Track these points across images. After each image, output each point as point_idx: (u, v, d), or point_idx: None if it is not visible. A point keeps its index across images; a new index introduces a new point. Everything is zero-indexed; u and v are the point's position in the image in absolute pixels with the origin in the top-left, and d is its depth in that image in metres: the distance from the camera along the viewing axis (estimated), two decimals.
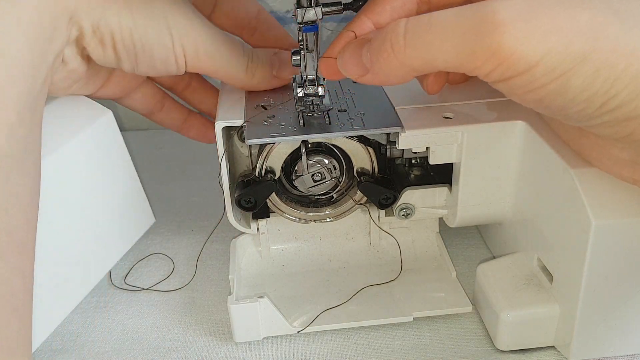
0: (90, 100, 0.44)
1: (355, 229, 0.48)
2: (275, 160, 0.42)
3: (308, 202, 0.46)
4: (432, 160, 0.41)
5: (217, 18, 0.45)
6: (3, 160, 0.30)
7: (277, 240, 0.47)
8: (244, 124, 0.40)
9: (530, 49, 0.26)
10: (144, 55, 0.37)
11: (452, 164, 0.42)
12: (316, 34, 0.38)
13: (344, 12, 0.38)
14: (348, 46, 0.33)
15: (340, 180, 0.44)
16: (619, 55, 0.26)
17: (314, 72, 0.40)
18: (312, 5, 0.37)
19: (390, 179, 0.44)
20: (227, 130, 0.42)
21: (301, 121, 0.40)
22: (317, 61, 0.39)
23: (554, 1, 0.27)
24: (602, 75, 0.26)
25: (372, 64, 0.31)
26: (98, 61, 0.38)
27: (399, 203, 0.44)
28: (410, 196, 0.44)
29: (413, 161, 0.45)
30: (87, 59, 0.39)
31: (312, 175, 0.42)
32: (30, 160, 0.33)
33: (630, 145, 0.31)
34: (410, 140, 0.40)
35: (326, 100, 0.42)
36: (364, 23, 0.35)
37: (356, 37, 0.34)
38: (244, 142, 0.40)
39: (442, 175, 0.44)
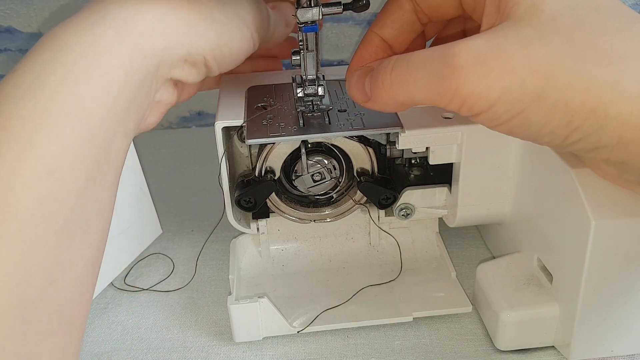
0: None
1: (355, 229, 0.48)
2: (275, 160, 0.42)
3: (308, 202, 0.46)
4: (432, 160, 0.41)
5: None
6: (67, 226, 0.28)
7: (277, 241, 0.47)
8: (244, 124, 0.40)
9: (487, 90, 0.27)
10: (231, 55, 0.37)
11: (452, 164, 0.42)
12: (316, 34, 0.38)
13: (344, 12, 0.38)
14: (354, 73, 0.35)
15: (340, 180, 0.44)
16: (574, 91, 0.26)
17: (314, 72, 0.40)
18: (312, 5, 0.37)
19: (390, 179, 0.44)
20: (227, 131, 0.42)
21: (301, 121, 0.40)
22: (318, 61, 0.40)
23: (513, 40, 0.27)
24: (559, 110, 0.27)
25: (371, 94, 0.33)
26: (191, 82, 0.36)
27: (398, 203, 0.44)
28: (410, 196, 0.44)
29: (413, 161, 0.45)
30: (178, 84, 0.37)
31: (312, 175, 0.42)
32: (98, 226, 0.30)
33: (614, 166, 0.32)
34: (410, 140, 0.40)
35: (326, 100, 0.42)
36: (373, 38, 0.36)
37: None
38: (244, 142, 0.40)
39: (442, 175, 0.44)
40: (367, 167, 0.43)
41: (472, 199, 0.42)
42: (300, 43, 0.39)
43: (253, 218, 0.46)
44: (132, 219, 0.47)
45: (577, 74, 0.26)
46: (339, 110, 0.42)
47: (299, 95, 0.41)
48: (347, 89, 0.35)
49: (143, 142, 0.65)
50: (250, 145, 0.43)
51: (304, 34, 0.38)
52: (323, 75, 0.42)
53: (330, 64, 0.70)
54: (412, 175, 0.45)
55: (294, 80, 0.43)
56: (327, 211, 0.46)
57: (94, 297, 0.46)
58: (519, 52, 0.27)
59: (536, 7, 0.28)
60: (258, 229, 0.46)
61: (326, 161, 0.42)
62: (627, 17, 0.28)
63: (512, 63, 0.27)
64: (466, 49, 0.28)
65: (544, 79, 0.27)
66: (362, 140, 0.42)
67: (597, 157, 0.31)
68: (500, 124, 0.29)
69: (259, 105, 0.43)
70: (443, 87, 0.28)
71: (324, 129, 0.40)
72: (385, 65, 0.32)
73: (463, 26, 0.39)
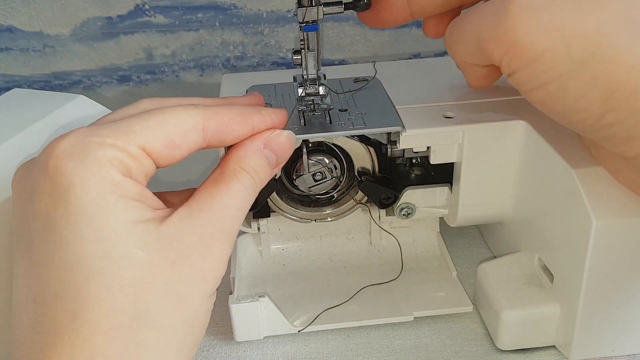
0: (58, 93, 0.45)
1: (355, 228, 0.48)
2: None
3: (309, 202, 0.46)
4: (433, 160, 0.41)
5: None
6: None
7: (278, 240, 0.47)
8: None
9: (531, 42, 0.26)
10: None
11: (453, 163, 0.42)
12: (317, 34, 0.38)
13: (345, 12, 0.38)
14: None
15: (341, 179, 0.44)
16: (620, 66, 0.25)
17: (315, 71, 0.40)
18: (313, 4, 0.37)
19: (391, 178, 0.44)
20: None
21: (302, 120, 0.40)
22: (318, 60, 0.39)
23: None
24: (600, 84, 0.26)
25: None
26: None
27: (399, 203, 0.44)
28: (411, 196, 0.44)
29: (414, 161, 0.45)
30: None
31: (313, 174, 0.42)
32: None
33: (632, 172, 0.31)
34: (411, 140, 0.40)
35: (327, 100, 0.42)
36: None
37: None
38: None
39: (443, 174, 0.44)
40: (368, 166, 0.43)
41: (473, 198, 0.42)
42: (301, 42, 0.39)
43: (254, 217, 0.46)
44: None
45: (628, 49, 0.25)
46: (340, 110, 0.42)
47: (300, 94, 0.41)
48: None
49: None
50: None
51: (304, 33, 0.38)
52: (324, 75, 0.42)
53: (331, 63, 0.70)
54: (413, 175, 0.45)
55: (294, 79, 0.43)
56: (328, 210, 0.46)
57: None
58: (573, 13, 0.26)
59: None
60: (259, 229, 0.46)
61: (327, 160, 0.42)
62: None
63: (564, 21, 0.26)
64: None
65: (592, 45, 0.25)
66: (363, 139, 0.42)
67: (627, 153, 0.29)
68: (535, 87, 0.28)
69: None
70: (491, 31, 0.28)
71: (325, 128, 0.40)
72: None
73: None
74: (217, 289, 0.30)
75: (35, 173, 0.27)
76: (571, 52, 0.26)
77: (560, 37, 0.26)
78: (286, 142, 0.33)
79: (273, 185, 0.42)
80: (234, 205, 0.30)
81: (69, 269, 0.25)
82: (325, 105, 0.41)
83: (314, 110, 0.41)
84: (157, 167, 0.29)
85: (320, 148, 0.43)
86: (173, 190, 0.35)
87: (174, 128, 0.29)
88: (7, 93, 0.45)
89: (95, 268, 0.25)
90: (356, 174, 0.44)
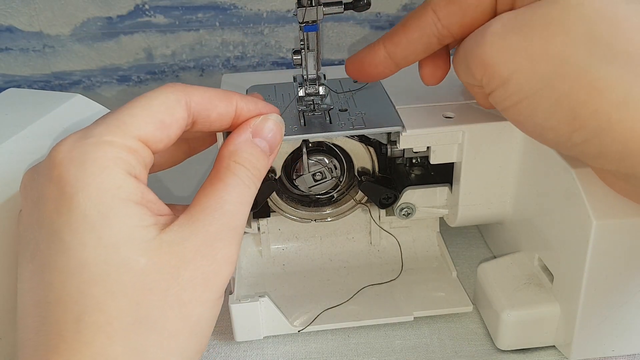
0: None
1: (355, 228, 0.48)
2: (276, 159, 0.42)
3: (309, 202, 0.46)
4: (433, 160, 0.41)
5: None
6: None
7: (278, 240, 0.47)
8: None
9: (502, 64, 0.28)
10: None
11: (453, 163, 0.42)
12: (317, 34, 0.38)
13: (345, 12, 0.38)
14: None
15: (341, 179, 0.44)
16: (580, 87, 0.26)
17: (315, 71, 0.40)
18: (313, 4, 0.37)
19: (391, 178, 0.44)
20: (228, 132, 0.42)
21: (302, 120, 0.40)
22: (318, 60, 0.39)
23: (538, 20, 0.27)
24: (565, 104, 0.27)
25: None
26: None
27: (399, 202, 0.44)
28: (411, 196, 0.44)
29: (414, 161, 0.45)
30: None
31: (313, 174, 0.42)
32: None
33: (623, 179, 0.31)
34: (411, 140, 0.40)
35: (327, 100, 0.42)
36: (379, 51, 0.36)
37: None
38: None
39: (443, 174, 0.44)
40: (368, 166, 0.43)
41: (473, 198, 0.42)
42: (301, 42, 0.39)
43: (254, 217, 0.46)
44: None
45: (587, 70, 0.26)
46: (339, 110, 0.42)
47: (299, 94, 0.41)
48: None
49: None
50: None
51: (304, 33, 0.38)
52: (324, 75, 0.42)
53: (331, 63, 0.70)
54: (413, 175, 0.45)
55: (294, 79, 0.43)
56: (328, 210, 0.46)
57: None
58: (538, 35, 0.27)
59: None
60: (259, 228, 0.46)
61: (327, 160, 0.42)
62: None
63: (529, 44, 0.27)
64: (499, 19, 0.28)
65: (554, 66, 0.26)
66: (363, 139, 0.42)
67: (605, 167, 0.30)
68: (509, 106, 0.29)
69: None
70: (473, 54, 0.30)
71: (325, 128, 0.40)
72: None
73: None
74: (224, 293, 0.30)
75: (41, 180, 0.27)
76: (537, 73, 0.27)
77: (527, 59, 0.27)
78: (274, 126, 0.32)
79: (273, 185, 0.42)
80: (233, 200, 0.29)
81: (72, 274, 0.26)
82: (325, 105, 0.41)
83: (314, 110, 0.41)
84: (154, 154, 0.29)
85: (320, 148, 0.43)
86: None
87: (159, 108, 0.29)
88: (3, 93, 0.45)
89: (97, 274, 0.26)
90: (356, 174, 0.44)
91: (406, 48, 0.35)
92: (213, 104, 0.31)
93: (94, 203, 0.26)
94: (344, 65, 0.39)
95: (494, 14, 0.32)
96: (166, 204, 0.30)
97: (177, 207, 0.34)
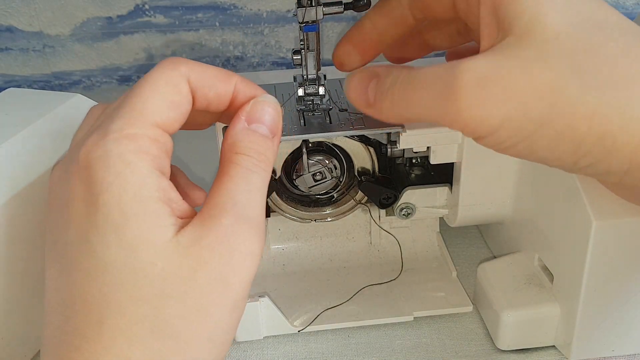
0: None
1: (355, 228, 0.48)
2: (276, 159, 0.42)
3: (309, 202, 0.46)
4: (433, 160, 0.41)
5: None
6: None
7: (278, 240, 0.47)
8: None
9: (489, 115, 0.26)
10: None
11: (453, 163, 0.42)
12: (317, 34, 0.38)
13: (345, 12, 0.38)
14: (356, 74, 0.33)
15: (341, 179, 0.44)
16: (580, 118, 0.26)
17: (315, 71, 0.40)
18: (313, 4, 0.37)
19: (391, 178, 0.44)
20: None
21: (302, 120, 0.40)
22: (318, 60, 0.39)
23: (515, 62, 0.26)
24: (566, 137, 0.26)
25: (375, 102, 0.31)
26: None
27: (399, 203, 0.44)
28: (411, 196, 0.44)
29: (414, 161, 0.45)
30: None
31: (313, 174, 0.42)
32: None
33: (627, 190, 0.31)
34: (411, 140, 0.39)
35: (327, 99, 0.42)
36: (364, 22, 0.36)
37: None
38: None
39: (443, 174, 0.44)
40: (368, 166, 0.43)
41: (473, 198, 0.42)
42: (301, 42, 0.39)
43: None
44: None
45: (583, 101, 0.25)
46: (339, 110, 0.42)
47: (299, 94, 0.41)
48: (346, 89, 0.34)
49: None
50: None
51: (304, 33, 0.38)
52: (324, 75, 0.42)
53: (331, 63, 0.70)
54: (412, 175, 0.45)
55: (294, 79, 0.43)
56: (328, 211, 0.46)
57: None
58: (522, 77, 0.26)
59: (537, 20, 0.27)
60: None
61: (327, 160, 0.42)
62: (630, 36, 0.27)
63: (515, 88, 0.26)
64: (468, 70, 0.27)
65: (548, 106, 0.26)
66: (363, 139, 0.42)
67: (608, 181, 0.30)
68: (505, 148, 0.28)
69: None
70: (445, 109, 0.27)
71: (324, 128, 0.40)
72: (393, 77, 0.30)
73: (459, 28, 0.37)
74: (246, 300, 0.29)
75: (71, 181, 0.27)
76: (530, 116, 0.26)
77: (516, 105, 0.26)
78: (268, 107, 0.31)
79: (273, 185, 0.42)
80: (241, 189, 0.28)
81: (95, 276, 0.26)
82: (325, 105, 0.41)
83: (314, 110, 0.41)
84: (171, 135, 0.29)
85: (320, 148, 0.43)
86: None
87: (166, 88, 0.28)
88: (3, 93, 0.45)
89: (119, 277, 0.26)
90: (356, 174, 0.44)
91: (386, 16, 0.35)
92: (211, 82, 0.30)
93: (117, 202, 0.26)
94: None
95: (453, 7, 0.31)
96: (190, 184, 0.31)
97: (196, 193, 0.35)
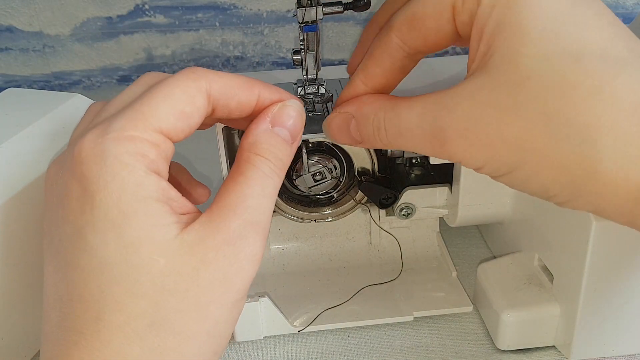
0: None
1: (355, 228, 0.48)
2: None
3: (309, 202, 0.46)
4: (433, 160, 0.41)
5: None
6: None
7: (278, 240, 0.47)
8: None
9: (472, 157, 0.28)
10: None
11: (453, 163, 0.42)
12: (317, 34, 0.38)
13: (345, 12, 0.38)
14: (334, 120, 0.34)
15: (341, 179, 0.44)
16: (546, 167, 0.26)
17: (315, 71, 0.40)
18: (313, 4, 0.37)
19: (391, 178, 0.44)
20: (228, 130, 0.42)
21: None
22: (318, 60, 0.39)
23: (490, 111, 0.27)
24: (535, 181, 0.27)
25: (362, 139, 0.33)
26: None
27: (399, 203, 0.44)
28: (411, 196, 0.44)
29: (414, 161, 0.45)
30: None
31: (313, 174, 0.42)
32: None
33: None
34: None
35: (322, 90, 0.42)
36: (358, 86, 0.34)
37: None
38: None
39: (443, 174, 0.44)
40: (368, 166, 0.43)
41: (472, 198, 0.42)
42: (301, 42, 0.39)
43: None
44: None
45: (549, 152, 0.26)
46: None
47: (299, 94, 0.41)
48: (327, 134, 0.35)
49: None
50: None
51: (304, 33, 0.38)
52: (323, 79, 0.42)
53: (331, 63, 0.70)
54: (412, 175, 0.45)
55: (295, 84, 0.43)
56: (328, 211, 0.46)
57: None
58: (495, 126, 0.27)
59: (511, 57, 0.26)
60: None
61: (327, 161, 0.42)
62: (611, 64, 0.25)
63: (490, 137, 0.27)
64: (452, 120, 0.28)
65: (517, 153, 0.27)
66: None
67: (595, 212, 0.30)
68: (493, 178, 0.29)
69: None
70: (436, 153, 0.30)
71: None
72: (375, 122, 0.31)
73: None
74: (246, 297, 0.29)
75: (65, 177, 0.27)
76: (504, 161, 0.27)
77: (492, 151, 0.27)
78: (293, 112, 0.31)
79: None
80: (256, 193, 0.28)
81: (93, 272, 0.26)
82: (324, 96, 0.41)
83: (314, 110, 0.41)
84: (174, 143, 0.29)
85: (320, 148, 0.43)
86: None
87: (181, 97, 0.28)
88: (3, 93, 0.45)
89: (118, 273, 0.26)
90: (356, 174, 0.44)
91: (383, 77, 0.34)
92: (233, 92, 0.30)
93: (115, 201, 0.26)
94: (344, 65, 0.39)
95: (456, 35, 0.30)
96: (193, 182, 0.30)
97: (199, 190, 0.34)
